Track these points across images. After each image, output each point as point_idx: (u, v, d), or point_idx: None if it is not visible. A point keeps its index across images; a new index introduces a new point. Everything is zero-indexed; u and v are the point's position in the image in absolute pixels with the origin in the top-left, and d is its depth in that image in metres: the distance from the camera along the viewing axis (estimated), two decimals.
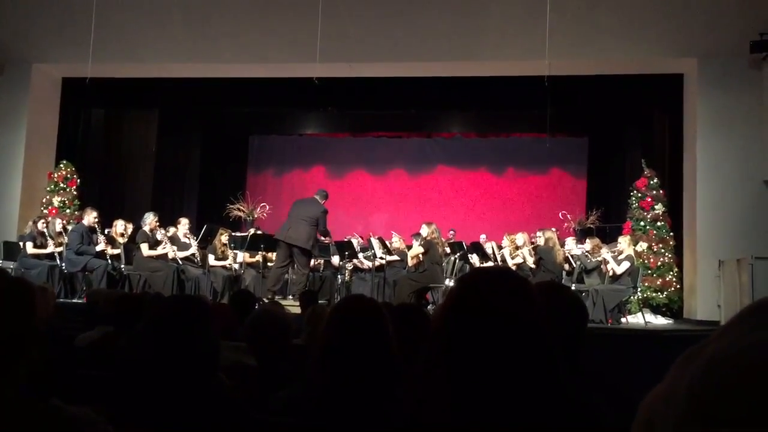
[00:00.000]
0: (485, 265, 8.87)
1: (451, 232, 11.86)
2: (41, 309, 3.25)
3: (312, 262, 9.73)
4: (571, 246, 9.21)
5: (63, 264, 8.71)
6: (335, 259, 9.94)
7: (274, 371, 2.53)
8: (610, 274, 8.29)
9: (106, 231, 9.22)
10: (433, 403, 1.12)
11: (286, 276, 9.00)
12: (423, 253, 8.65)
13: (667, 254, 9.03)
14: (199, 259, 9.19)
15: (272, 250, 8.99)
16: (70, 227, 9.20)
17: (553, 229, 9.09)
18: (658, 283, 8.88)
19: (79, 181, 10.63)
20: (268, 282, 8.56)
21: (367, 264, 9.74)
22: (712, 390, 0.45)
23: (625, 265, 8.15)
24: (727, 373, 0.45)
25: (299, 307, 6.12)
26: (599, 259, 8.50)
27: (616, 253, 8.43)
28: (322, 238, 9.01)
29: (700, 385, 0.46)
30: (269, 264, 9.32)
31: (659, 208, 9.20)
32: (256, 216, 11.87)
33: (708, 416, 0.45)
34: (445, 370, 1.12)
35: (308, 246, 8.47)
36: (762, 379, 0.44)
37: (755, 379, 0.44)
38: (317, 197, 8.68)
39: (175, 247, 8.88)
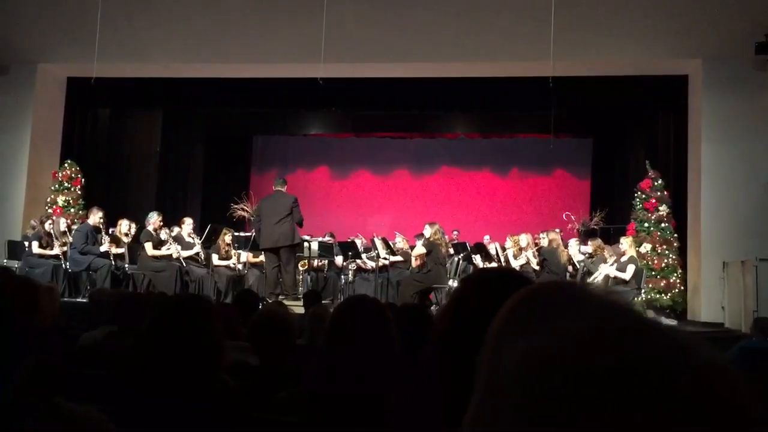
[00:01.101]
0: (489, 265, 8.86)
1: (455, 232, 11.85)
2: (48, 308, 3.26)
3: (315, 262, 9.75)
4: (574, 251, 9.18)
5: (67, 263, 8.72)
6: (339, 260, 9.95)
7: (278, 371, 2.53)
8: (613, 276, 8.27)
9: (110, 230, 9.23)
10: (427, 403, 1.12)
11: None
12: (425, 254, 8.65)
13: (671, 256, 9.00)
14: (203, 258, 9.19)
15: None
16: (74, 227, 9.22)
17: (557, 230, 9.08)
18: (662, 284, 8.85)
19: (83, 180, 10.65)
20: (268, 286, 8.52)
21: (371, 264, 9.74)
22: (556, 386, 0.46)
23: (631, 268, 8.12)
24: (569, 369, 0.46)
25: (303, 307, 6.12)
26: (602, 276, 8.35)
27: (617, 257, 8.40)
28: (306, 237, 8.86)
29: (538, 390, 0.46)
30: None
31: (663, 209, 9.18)
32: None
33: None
34: (442, 372, 1.12)
35: (296, 241, 8.40)
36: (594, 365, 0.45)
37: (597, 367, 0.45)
38: (281, 188, 8.47)
39: (179, 247, 8.89)
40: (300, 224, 8.45)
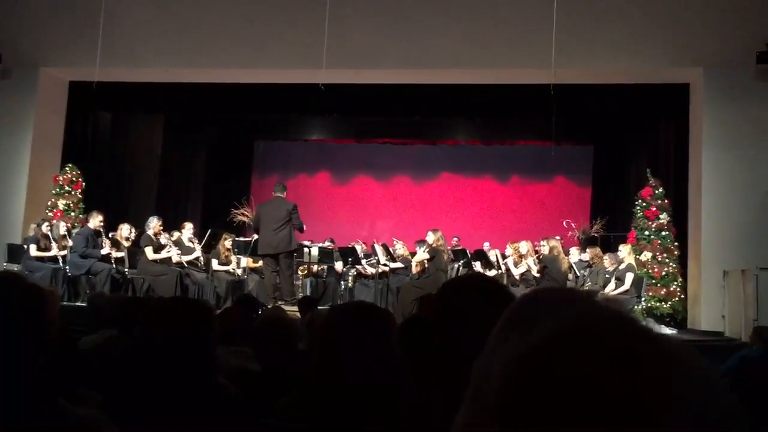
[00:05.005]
0: (488, 272, 8.86)
1: (455, 239, 11.85)
2: (52, 313, 3.26)
3: (315, 267, 9.74)
4: (574, 260, 9.18)
5: (67, 267, 8.72)
6: (338, 266, 9.94)
7: (280, 376, 2.53)
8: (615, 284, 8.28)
9: (110, 234, 9.24)
10: (428, 408, 1.13)
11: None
12: (428, 260, 8.64)
13: (671, 264, 8.99)
14: (202, 263, 9.19)
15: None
16: (75, 230, 9.22)
17: (557, 238, 9.07)
18: (663, 292, 8.84)
19: (84, 184, 10.65)
20: (267, 290, 8.53)
21: (371, 270, 9.73)
22: (513, 395, 0.46)
23: (630, 276, 8.12)
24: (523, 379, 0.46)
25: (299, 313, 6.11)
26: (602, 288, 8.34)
27: (616, 264, 8.39)
28: (306, 242, 8.90)
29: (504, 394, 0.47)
30: None
31: (664, 217, 9.17)
32: None
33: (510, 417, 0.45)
34: (440, 376, 1.12)
35: (293, 248, 8.46)
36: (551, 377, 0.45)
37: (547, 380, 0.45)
38: (280, 194, 8.49)
39: (179, 250, 8.89)
40: (300, 230, 8.48)
